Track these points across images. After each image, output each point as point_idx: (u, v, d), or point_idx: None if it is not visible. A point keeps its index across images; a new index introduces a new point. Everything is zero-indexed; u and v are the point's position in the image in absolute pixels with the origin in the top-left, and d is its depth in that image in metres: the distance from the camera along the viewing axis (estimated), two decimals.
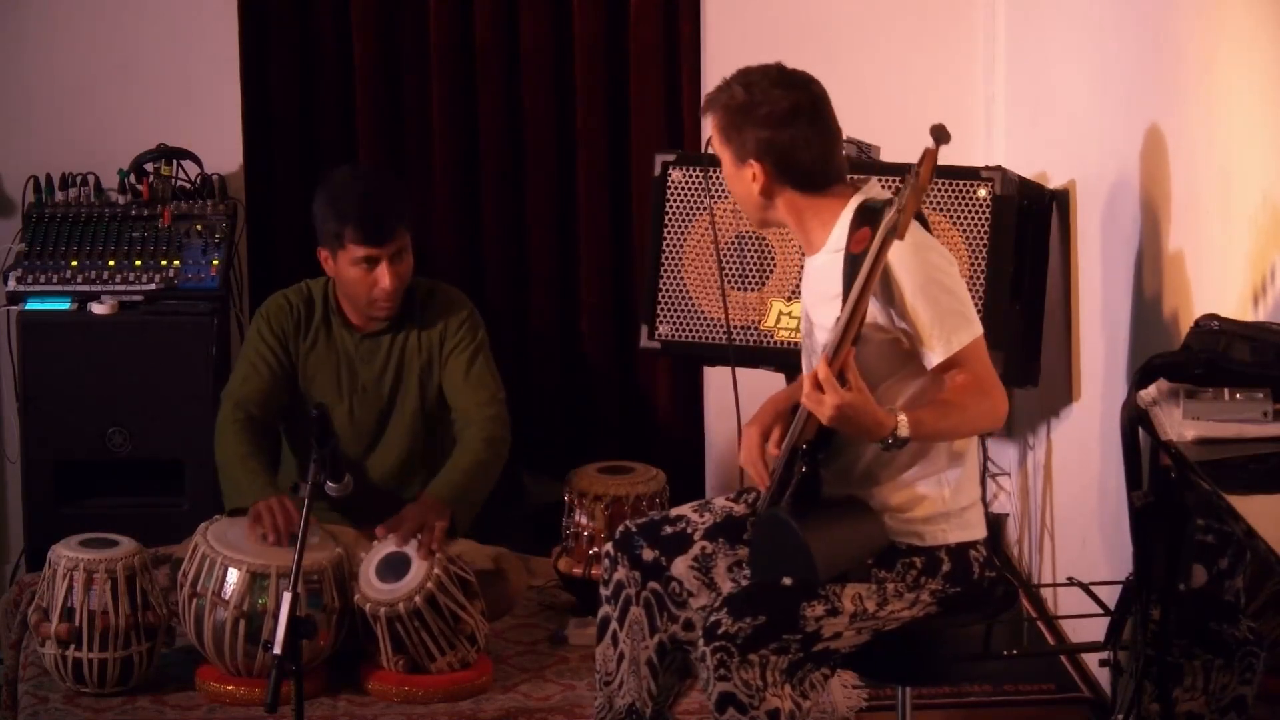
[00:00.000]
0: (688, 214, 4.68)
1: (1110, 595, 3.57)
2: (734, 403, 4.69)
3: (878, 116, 4.87)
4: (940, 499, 3.38)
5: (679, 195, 4.69)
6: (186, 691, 4.24)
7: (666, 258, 4.69)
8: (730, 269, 4.62)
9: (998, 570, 3.47)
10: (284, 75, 5.36)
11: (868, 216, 3.26)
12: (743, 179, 3.41)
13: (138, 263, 4.95)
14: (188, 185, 5.15)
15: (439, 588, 4.16)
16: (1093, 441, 4.43)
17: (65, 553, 4.20)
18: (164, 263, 4.96)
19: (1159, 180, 3.98)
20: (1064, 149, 4.73)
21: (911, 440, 3.23)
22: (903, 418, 3.20)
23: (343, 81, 5.38)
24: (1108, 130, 4.34)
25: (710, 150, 3.56)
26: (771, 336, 4.59)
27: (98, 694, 4.20)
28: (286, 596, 3.61)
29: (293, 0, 5.33)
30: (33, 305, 4.91)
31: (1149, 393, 3.10)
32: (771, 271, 4.59)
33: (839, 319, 3.19)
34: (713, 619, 3.27)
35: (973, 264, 4.43)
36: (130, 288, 4.92)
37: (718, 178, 4.49)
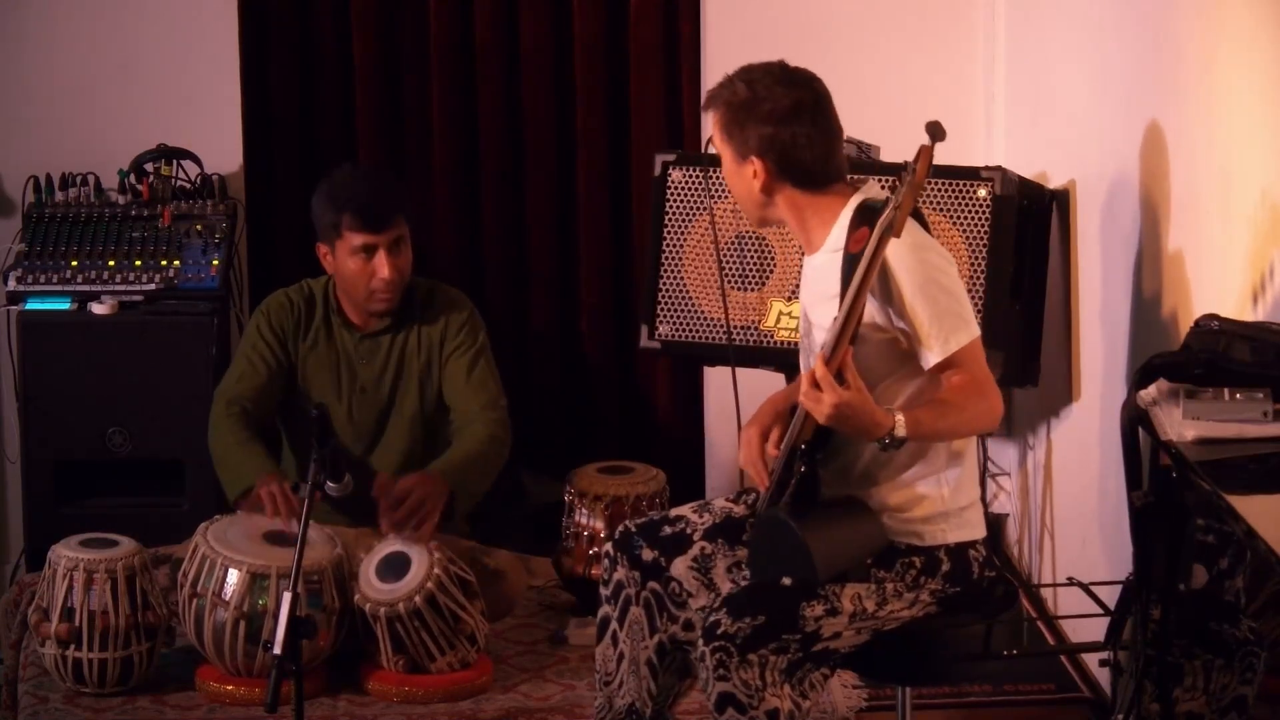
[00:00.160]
0: (688, 214, 4.68)
1: (1110, 595, 3.56)
2: (734, 403, 4.69)
3: (877, 116, 4.86)
4: (939, 498, 3.38)
5: (679, 195, 4.69)
6: (186, 691, 4.24)
7: (666, 258, 4.69)
8: (730, 269, 4.62)
9: (997, 570, 3.46)
10: (284, 75, 5.36)
11: (867, 216, 3.26)
12: (743, 176, 3.41)
13: (138, 263, 4.95)
14: (188, 185, 5.15)
15: (439, 588, 4.16)
16: (1093, 441, 4.43)
17: (65, 553, 4.20)
18: (164, 263, 4.96)
19: (1159, 180, 3.98)
20: (1064, 149, 4.73)
21: (909, 440, 3.23)
22: (900, 417, 3.20)
23: (343, 81, 5.38)
24: (1108, 130, 4.34)
25: (711, 149, 3.55)
26: (771, 336, 4.59)
27: (98, 694, 4.20)
28: (286, 596, 3.61)
29: (293, 0, 5.33)
30: (33, 305, 4.91)
31: (1149, 393, 3.10)
32: (771, 271, 4.59)
33: (836, 318, 3.19)
34: (712, 619, 3.27)
35: (973, 264, 4.43)
36: (130, 288, 4.92)
37: (718, 178, 4.49)
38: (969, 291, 3.48)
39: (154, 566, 4.32)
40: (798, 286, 4.40)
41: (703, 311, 4.67)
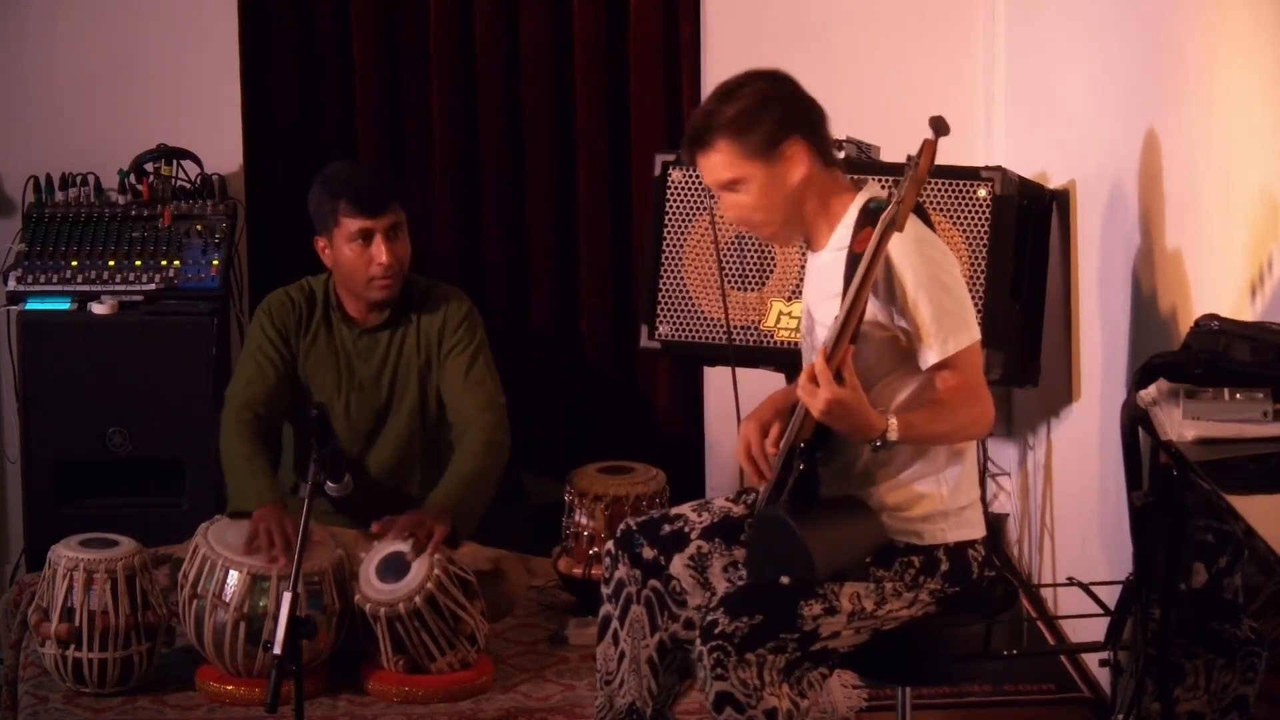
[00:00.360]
0: (688, 214, 4.68)
1: (1110, 595, 3.57)
2: (734, 403, 4.69)
3: (878, 116, 4.87)
4: (939, 497, 3.37)
5: (679, 195, 4.69)
6: (186, 691, 4.24)
7: (666, 258, 4.69)
8: (730, 269, 4.62)
9: (997, 569, 3.46)
10: (284, 75, 5.36)
11: (871, 217, 3.25)
12: (783, 176, 3.35)
13: (138, 263, 4.95)
14: (188, 185, 5.15)
15: (439, 588, 4.16)
16: (1093, 441, 4.43)
17: (65, 553, 4.20)
18: (164, 263, 4.96)
19: (1159, 180, 3.97)
20: (1064, 149, 4.73)
21: (900, 444, 3.23)
22: (893, 421, 3.20)
23: (343, 81, 5.38)
24: (1107, 130, 4.34)
25: (726, 192, 3.39)
26: (771, 336, 4.59)
27: (98, 694, 4.20)
28: (286, 596, 3.61)
29: (293, 0, 5.33)
30: (33, 305, 4.91)
31: (1149, 393, 3.10)
32: (771, 271, 4.59)
33: (838, 316, 3.19)
34: (710, 618, 3.27)
35: (973, 264, 4.43)
36: (130, 288, 4.92)
37: None
38: (968, 291, 3.47)
39: (154, 566, 4.32)
40: (798, 286, 4.41)
41: (703, 311, 4.67)
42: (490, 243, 5.45)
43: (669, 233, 4.69)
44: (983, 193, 4.44)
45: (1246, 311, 3.39)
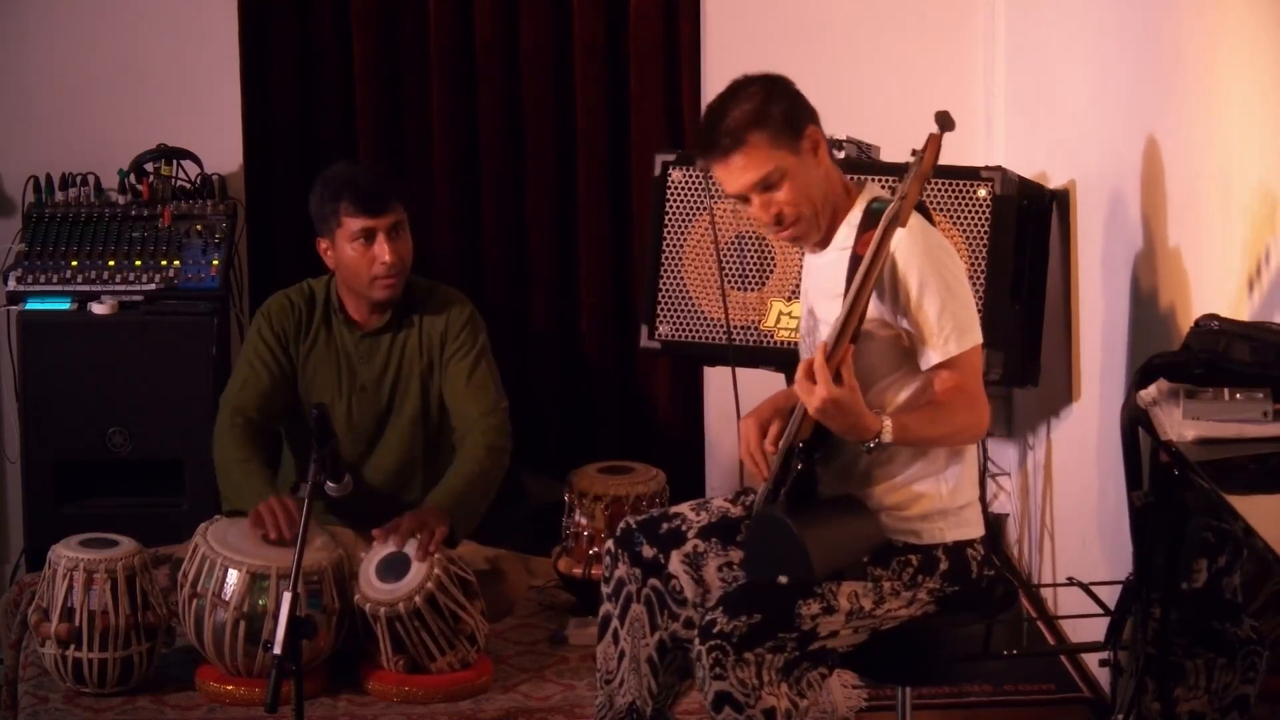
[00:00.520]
0: (688, 214, 4.68)
1: (1110, 595, 3.56)
2: (734, 403, 4.69)
3: (878, 116, 4.87)
4: (938, 496, 3.37)
5: (679, 195, 4.69)
6: (186, 691, 4.24)
7: (666, 258, 4.69)
8: (730, 269, 4.62)
9: (996, 569, 3.46)
10: (284, 75, 5.36)
11: (874, 219, 3.25)
12: (811, 163, 3.33)
13: (138, 263, 4.95)
14: (188, 185, 5.15)
15: (439, 588, 4.16)
16: (1093, 441, 4.43)
17: (65, 553, 4.20)
18: (164, 263, 4.96)
19: (1159, 180, 3.97)
20: (1064, 149, 4.73)
21: (893, 446, 3.23)
22: (888, 423, 3.20)
23: (343, 81, 5.38)
24: (1108, 130, 4.34)
25: (760, 193, 3.33)
26: (771, 336, 4.59)
27: (98, 694, 4.20)
28: (286, 596, 3.61)
29: (293, 0, 5.33)
30: (33, 305, 4.91)
31: (1149, 393, 3.10)
32: (771, 271, 4.59)
33: (839, 315, 3.19)
34: (708, 618, 3.26)
35: (973, 264, 4.43)
36: (130, 288, 4.92)
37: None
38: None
39: (154, 566, 4.32)
40: (798, 286, 4.40)
41: (703, 311, 4.67)
42: (490, 243, 5.45)
43: (669, 233, 4.69)
44: (983, 193, 4.44)
45: (1244, 306, 3.39)
